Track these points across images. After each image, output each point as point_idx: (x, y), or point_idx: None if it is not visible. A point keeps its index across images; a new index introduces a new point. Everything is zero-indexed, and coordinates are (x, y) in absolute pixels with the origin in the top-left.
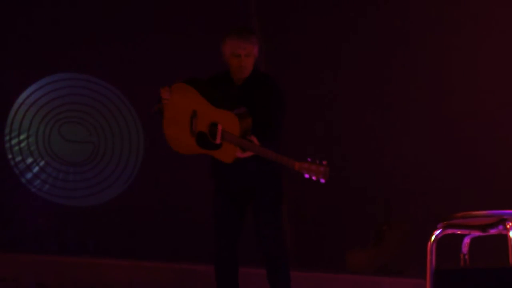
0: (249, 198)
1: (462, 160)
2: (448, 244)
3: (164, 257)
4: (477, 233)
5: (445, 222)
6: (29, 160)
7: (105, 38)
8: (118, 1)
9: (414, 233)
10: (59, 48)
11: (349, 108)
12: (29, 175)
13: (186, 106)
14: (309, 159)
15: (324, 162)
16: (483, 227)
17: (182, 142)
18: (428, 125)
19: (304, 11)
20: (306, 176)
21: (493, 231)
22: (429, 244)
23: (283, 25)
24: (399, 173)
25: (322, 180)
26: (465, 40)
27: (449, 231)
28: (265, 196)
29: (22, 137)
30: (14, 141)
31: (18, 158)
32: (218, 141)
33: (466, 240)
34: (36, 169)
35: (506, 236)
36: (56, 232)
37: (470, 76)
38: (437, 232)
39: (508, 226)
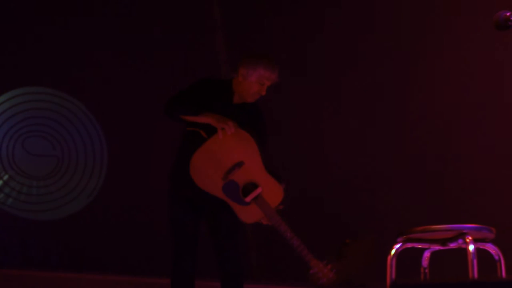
0: (206, 211)
1: (425, 175)
2: (410, 258)
3: (126, 271)
4: (437, 247)
5: (405, 236)
6: None
7: (68, 52)
8: (80, 16)
9: (376, 247)
10: (22, 63)
11: (307, 120)
12: None
13: (236, 154)
14: (325, 261)
15: (334, 270)
16: (443, 241)
17: (206, 177)
18: (389, 140)
19: (269, 23)
20: (312, 271)
21: (452, 245)
22: (389, 257)
23: (247, 37)
24: (361, 187)
25: (322, 281)
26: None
27: (409, 245)
28: (227, 213)
29: None
30: None
31: None
32: (248, 199)
33: (426, 254)
34: None
35: (466, 250)
36: (19, 246)
37: (435, 91)
38: (397, 246)
39: (467, 240)
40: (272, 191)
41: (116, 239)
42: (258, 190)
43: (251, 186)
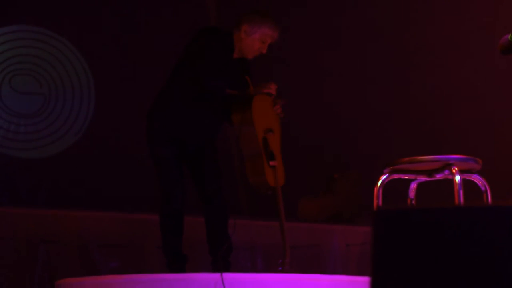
0: (189, 151)
1: (411, 108)
2: (397, 190)
3: (115, 207)
4: (423, 178)
5: (391, 167)
6: None
7: None
8: None
9: (365, 181)
10: (6, 1)
11: (300, 53)
12: None
13: (272, 121)
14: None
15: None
16: (429, 172)
17: (259, 120)
18: (378, 73)
19: None
20: (281, 260)
21: (439, 176)
22: (375, 189)
23: None
24: (350, 121)
25: (280, 268)
26: None
27: (396, 176)
28: (209, 152)
29: None
30: None
31: None
32: (271, 164)
33: (413, 185)
34: None
35: (452, 181)
36: (7, 184)
37: (427, 29)
38: (384, 177)
39: (453, 171)
40: (280, 173)
41: (104, 176)
42: (276, 163)
43: (273, 155)
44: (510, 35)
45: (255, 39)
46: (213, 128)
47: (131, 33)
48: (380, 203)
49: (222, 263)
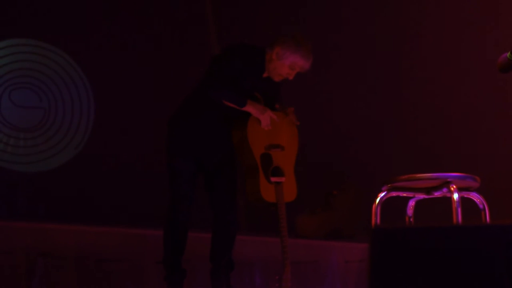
0: (207, 166)
1: (409, 125)
2: (396, 207)
3: (114, 222)
4: (421, 196)
5: (389, 185)
6: None
7: (57, 4)
8: None
9: (364, 198)
10: (9, 14)
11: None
12: None
13: (283, 137)
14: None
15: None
16: (428, 190)
17: (257, 137)
18: (376, 90)
19: None
20: (277, 277)
21: (437, 194)
22: (373, 206)
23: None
24: (349, 138)
25: (278, 284)
26: None
27: (394, 193)
28: (229, 168)
29: None
30: None
31: None
32: (272, 180)
33: (411, 203)
34: None
35: (450, 198)
36: (6, 197)
37: (424, 45)
38: (382, 194)
39: (452, 189)
40: (289, 188)
41: (104, 190)
42: (283, 179)
43: (279, 171)
44: (509, 53)
45: (284, 64)
46: (231, 143)
47: (130, 47)
48: (378, 220)
49: (224, 279)
